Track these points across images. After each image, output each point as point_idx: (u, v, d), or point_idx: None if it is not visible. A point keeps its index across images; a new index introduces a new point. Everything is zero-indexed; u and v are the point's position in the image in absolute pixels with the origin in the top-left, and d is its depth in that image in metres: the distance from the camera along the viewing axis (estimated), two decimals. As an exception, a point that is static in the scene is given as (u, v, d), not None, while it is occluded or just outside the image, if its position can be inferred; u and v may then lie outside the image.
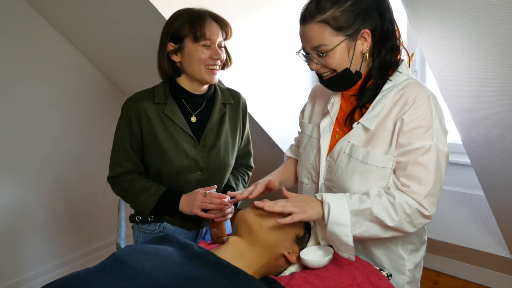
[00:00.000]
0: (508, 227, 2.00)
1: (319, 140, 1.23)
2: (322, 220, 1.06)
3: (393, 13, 1.13)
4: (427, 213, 1.05)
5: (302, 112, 1.41)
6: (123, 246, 1.78)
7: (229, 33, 1.37)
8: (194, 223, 1.46)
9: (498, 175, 1.80)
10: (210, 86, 1.44)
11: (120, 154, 1.40)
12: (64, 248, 2.70)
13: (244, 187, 1.56)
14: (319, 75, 1.16)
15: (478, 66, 1.45)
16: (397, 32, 1.15)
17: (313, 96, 1.36)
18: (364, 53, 1.10)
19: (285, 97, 2.45)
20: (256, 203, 1.07)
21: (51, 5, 2.25)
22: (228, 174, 1.50)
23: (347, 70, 1.10)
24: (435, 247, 2.37)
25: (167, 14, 1.84)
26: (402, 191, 1.06)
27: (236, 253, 1.08)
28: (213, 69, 1.33)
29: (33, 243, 2.54)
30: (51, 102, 2.53)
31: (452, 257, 2.39)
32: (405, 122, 1.05)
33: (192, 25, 1.29)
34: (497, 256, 2.16)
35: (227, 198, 1.32)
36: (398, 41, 1.14)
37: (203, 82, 1.37)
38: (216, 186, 1.36)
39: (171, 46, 1.33)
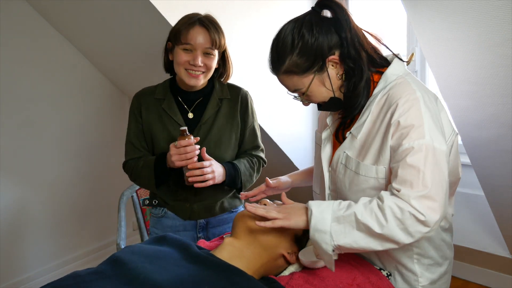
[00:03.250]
0: (508, 227, 2.00)
1: None
2: (307, 228, 1.00)
3: (352, 23, 1.04)
4: (422, 218, 0.90)
5: (318, 119, 1.39)
6: (123, 246, 1.78)
7: (217, 43, 1.37)
8: (187, 212, 1.51)
9: (498, 175, 1.80)
10: (208, 82, 1.48)
11: (128, 144, 1.52)
12: (64, 248, 2.70)
13: (251, 167, 1.53)
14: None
15: (478, 66, 1.45)
16: (359, 42, 1.05)
17: None
18: (341, 74, 1.06)
19: (286, 97, 2.45)
20: (246, 204, 1.08)
21: (51, 5, 2.25)
22: None
23: (332, 99, 1.08)
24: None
25: (167, 14, 1.84)
26: (394, 195, 0.95)
27: (234, 253, 1.08)
28: (194, 74, 1.37)
29: (33, 243, 2.54)
30: (51, 102, 2.53)
31: (452, 257, 2.39)
32: (394, 124, 0.99)
33: (179, 28, 1.36)
34: (497, 256, 2.16)
35: (192, 139, 1.34)
36: (359, 53, 1.04)
37: (186, 84, 1.41)
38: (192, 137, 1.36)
39: (169, 44, 1.43)
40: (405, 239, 0.93)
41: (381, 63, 1.10)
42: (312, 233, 0.98)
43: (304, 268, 1.14)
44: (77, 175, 2.71)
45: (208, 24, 1.35)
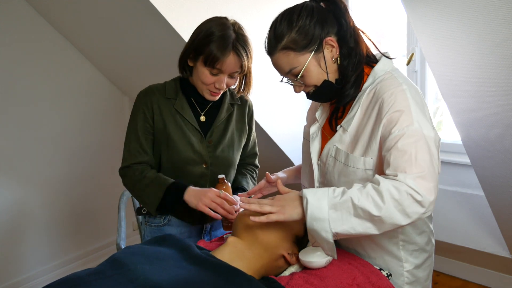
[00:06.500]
0: (508, 227, 2.00)
1: None
2: (303, 220, 0.99)
3: (349, 14, 1.10)
4: (419, 198, 0.90)
5: (306, 115, 1.42)
6: (123, 246, 1.78)
7: (245, 68, 1.35)
8: (197, 217, 1.46)
9: (498, 175, 1.80)
10: None
11: (134, 143, 1.41)
12: (64, 248, 2.70)
13: (254, 184, 1.61)
14: (306, 93, 1.17)
15: (478, 66, 1.45)
16: (354, 34, 1.11)
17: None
18: (336, 58, 1.10)
19: (286, 98, 2.45)
20: (240, 199, 1.08)
21: (51, 5, 2.25)
22: (232, 170, 1.53)
23: (325, 81, 1.11)
24: (434, 247, 2.37)
25: (167, 14, 1.84)
26: (389, 178, 0.95)
27: (235, 254, 1.08)
28: (216, 93, 1.38)
29: (33, 243, 2.54)
30: (51, 102, 2.53)
31: (452, 257, 2.39)
32: (383, 116, 1.02)
33: (212, 48, 1.28)
34: (497, 256, 2.16)
35: (238, 205, 1.32)
36: (357, 42, 1.11)
37: None
38: (230, 188, 1.37)
39: (193, 54, 1.35)
40: (402, 220, 0.92)
41: (373, 57, 1.16)
42: (309, 221, 0.96)
43: (304, 268, 1.14)
44: (77, 175, 2.71)
45: (241, 51, 1.31)
